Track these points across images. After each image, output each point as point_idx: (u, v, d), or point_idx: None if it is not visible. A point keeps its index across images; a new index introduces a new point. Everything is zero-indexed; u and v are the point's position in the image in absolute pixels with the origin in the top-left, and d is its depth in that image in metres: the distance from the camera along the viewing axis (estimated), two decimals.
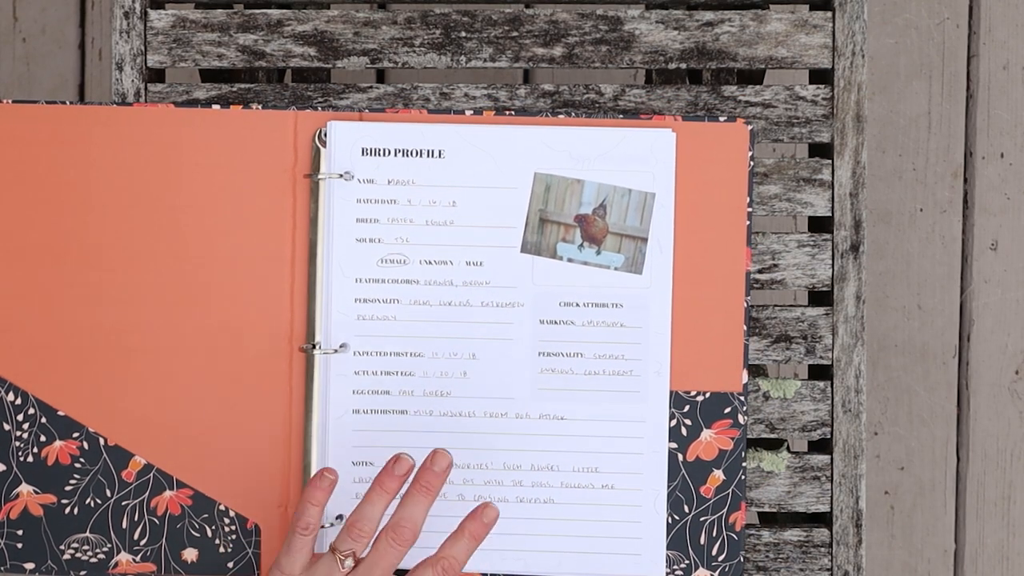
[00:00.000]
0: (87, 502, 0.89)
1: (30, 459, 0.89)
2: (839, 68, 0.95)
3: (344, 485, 0.89)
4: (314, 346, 0.88)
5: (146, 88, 0.95)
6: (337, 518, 0.89)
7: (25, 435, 0.89)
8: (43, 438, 0.89)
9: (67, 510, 0.89)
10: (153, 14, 0.95)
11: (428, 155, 0.89)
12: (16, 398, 0.89)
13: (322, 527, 0.88)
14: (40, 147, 0.89)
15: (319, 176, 0.88)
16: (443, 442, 0.89)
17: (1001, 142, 1.30)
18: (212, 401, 0.89)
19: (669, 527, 0.89)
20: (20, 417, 0.89)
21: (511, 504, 0.89)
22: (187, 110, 0.89)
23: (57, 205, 0.89)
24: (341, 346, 0.89)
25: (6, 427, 0.89)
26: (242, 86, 0.95)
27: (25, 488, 0.89)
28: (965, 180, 1.32)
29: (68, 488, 0.89)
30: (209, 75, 1.00)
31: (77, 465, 0.89)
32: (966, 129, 1.31)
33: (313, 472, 0.89)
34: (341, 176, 0.88)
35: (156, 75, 0.96)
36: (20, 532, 0.89)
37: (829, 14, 0.95)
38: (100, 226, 0.89)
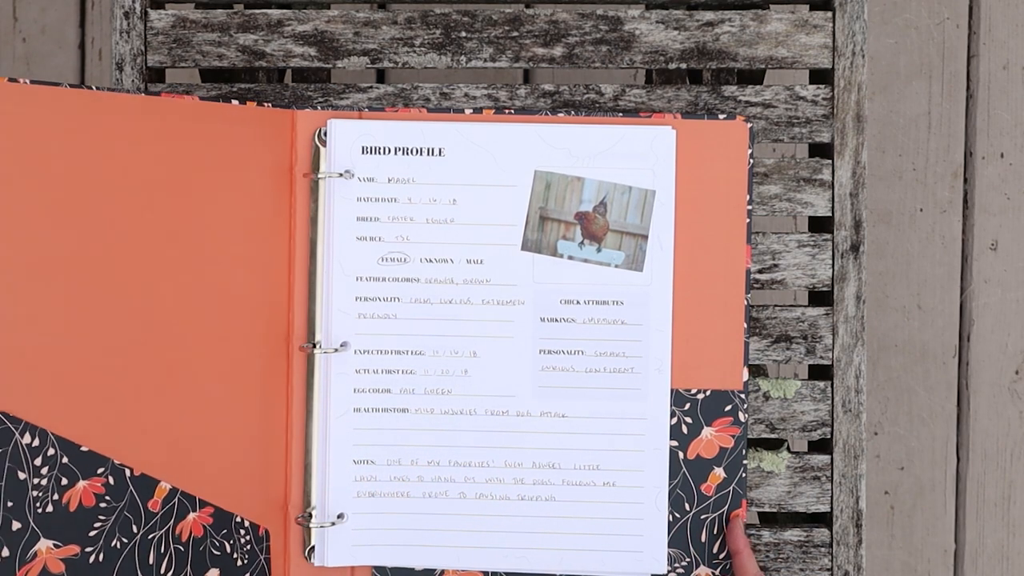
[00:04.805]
0: (113, 544, 0.83)
1: (49, 508, 0.80)
2: (839, 68, 0.95)
3: (345, 484, 0.89)
4: (315, 345, 0.88)
5: (146, 88, 0.95)
6: (338, 516, 0.89)
7: (44, 481, 0.80)
8: (64, 481, 0.81)
9: (91, 559, 0.82)
10: (153, 14, 0.95)
11: (428, 153, 0.89)
12: (33, 439, 0.80)
13: (321, 527, 0.88)
14: (41, 146, 0.88)
15: (319, 175, 0.88)
16: (444, 440, 0.89)
17: (1001, 142, 1.30)
18: (213, 402, 0.88)
19: (670, 525, 0.89)
20: (38, 461, 0.80)
21: (512, 502, 0.89)
22: (195, 104, 0.86)
23: (57, 209, 0.87)
24: (342, 345, 0.89)
25: (21, 476, 0.79)
26: (242, 86, 0.95)
27: (44, 544, 0.80)
28: (965, 180, 1.32)
29: (92, 533, 0.82)
30: (209, 75, 1.00)
31: (102, 505, 0.82)
32: (966, 129, 1.31)
33: (315, 471, 0.89)
34: (341, 175, 0.88)
35: (156, 75, 0.96)
36: None
37: (829, 14, 0.95)
38: (100, 227, 0.88)
